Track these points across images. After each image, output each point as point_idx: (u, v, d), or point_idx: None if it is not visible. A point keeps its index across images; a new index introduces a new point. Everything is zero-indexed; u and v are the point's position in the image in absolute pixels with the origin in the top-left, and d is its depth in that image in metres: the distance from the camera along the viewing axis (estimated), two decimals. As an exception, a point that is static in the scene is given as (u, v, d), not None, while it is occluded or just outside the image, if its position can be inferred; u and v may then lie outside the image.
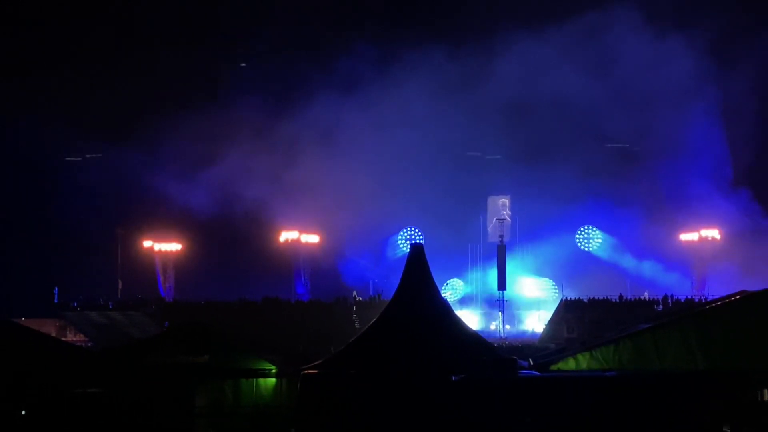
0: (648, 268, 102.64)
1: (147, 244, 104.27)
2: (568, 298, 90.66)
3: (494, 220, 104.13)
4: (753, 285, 58.46)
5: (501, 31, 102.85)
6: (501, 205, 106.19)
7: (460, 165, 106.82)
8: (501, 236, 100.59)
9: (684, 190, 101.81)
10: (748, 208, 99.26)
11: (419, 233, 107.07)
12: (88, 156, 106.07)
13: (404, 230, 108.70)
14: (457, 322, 56.04)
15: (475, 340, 55.05)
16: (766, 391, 47.49)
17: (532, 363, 53.06)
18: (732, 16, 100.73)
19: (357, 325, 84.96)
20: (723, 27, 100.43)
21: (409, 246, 60.20)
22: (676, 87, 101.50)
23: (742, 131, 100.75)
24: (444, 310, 56.00)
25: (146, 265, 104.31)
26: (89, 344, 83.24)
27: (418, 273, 55.69)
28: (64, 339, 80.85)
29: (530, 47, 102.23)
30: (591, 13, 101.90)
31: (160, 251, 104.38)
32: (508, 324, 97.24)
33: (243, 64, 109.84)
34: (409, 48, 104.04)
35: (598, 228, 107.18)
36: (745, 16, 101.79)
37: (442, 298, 58.43)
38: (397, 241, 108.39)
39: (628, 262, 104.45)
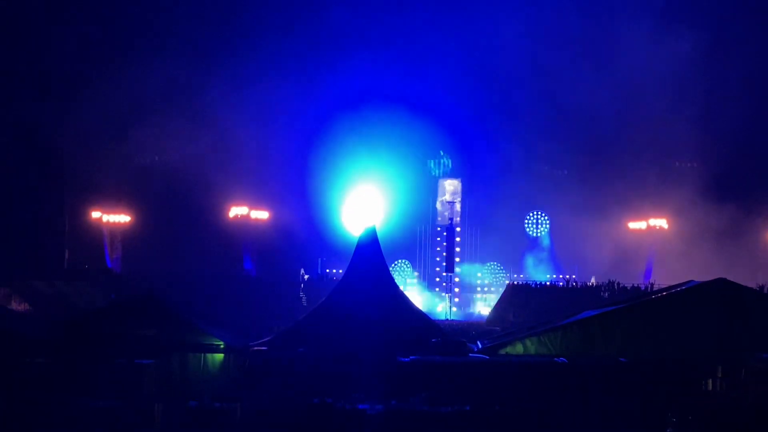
0: (595, 255, 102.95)
1: (95, 215, 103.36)
2: (515, 282, 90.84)
3: (444, 202, 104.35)
4: (698, 277, 58.90)
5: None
6: (452, 188, 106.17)
7: (414, 146, 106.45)
8: (450, 219, 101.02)
9: (644, 181, 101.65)
10: (702, 203, 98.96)
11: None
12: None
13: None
14: (408, 304, 56.35)
15: (425, 322, 55.41)
16: (710, 380, 48.13)
17: (481, 346, 53.36)
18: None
19: (304, 303, 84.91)
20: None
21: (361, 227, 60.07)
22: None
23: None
24: (394, 291, 56.28)
25: (94, 236, 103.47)
26: (33, 314, 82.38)
27: (370, 254, 55.90)
28: (8, 308, 79.97)
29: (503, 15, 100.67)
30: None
31: (108, 222, 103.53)
32: (455, 306, 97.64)
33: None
34: (377, 21, 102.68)
35: (548, 214, 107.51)
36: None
37: (392, 279, 58.66)
38: (347, 219, 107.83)
39: (575, 247, 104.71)
